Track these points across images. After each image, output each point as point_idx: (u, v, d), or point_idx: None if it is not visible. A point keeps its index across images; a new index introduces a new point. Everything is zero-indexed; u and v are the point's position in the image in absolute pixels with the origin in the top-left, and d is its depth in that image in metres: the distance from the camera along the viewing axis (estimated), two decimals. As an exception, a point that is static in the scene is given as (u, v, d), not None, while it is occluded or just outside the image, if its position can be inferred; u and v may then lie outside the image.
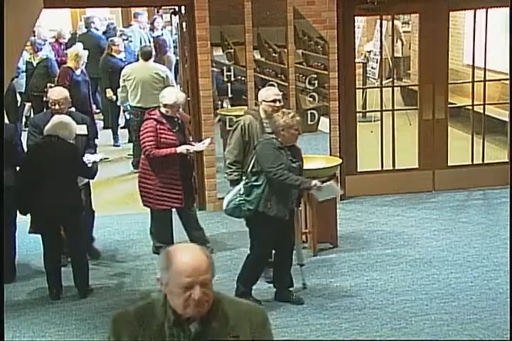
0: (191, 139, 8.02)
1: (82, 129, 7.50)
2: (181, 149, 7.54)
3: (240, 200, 6.59)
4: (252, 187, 6.54)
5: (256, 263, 6.81)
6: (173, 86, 10.92)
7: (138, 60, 11.44)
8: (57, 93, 7.71)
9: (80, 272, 7.09)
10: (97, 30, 14.84)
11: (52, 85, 11.30)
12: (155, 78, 10.77)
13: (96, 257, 7.88)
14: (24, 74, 12.44)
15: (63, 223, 7.00)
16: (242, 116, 7.47)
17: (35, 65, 12.23)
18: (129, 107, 11.04)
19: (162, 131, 7.55)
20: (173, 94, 7.68)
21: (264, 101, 7.20)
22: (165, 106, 7.60)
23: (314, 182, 6.57)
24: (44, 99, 12.02)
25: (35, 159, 6.92)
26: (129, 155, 11.49)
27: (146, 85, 10.75)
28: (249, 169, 6.61)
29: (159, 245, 7.86)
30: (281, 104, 7.24)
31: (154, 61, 11.38)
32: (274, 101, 7.16)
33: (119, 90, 11.09)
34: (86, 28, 14.81)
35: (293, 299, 6.88)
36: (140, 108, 10.73)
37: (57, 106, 7.56)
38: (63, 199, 6.81)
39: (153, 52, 11.28)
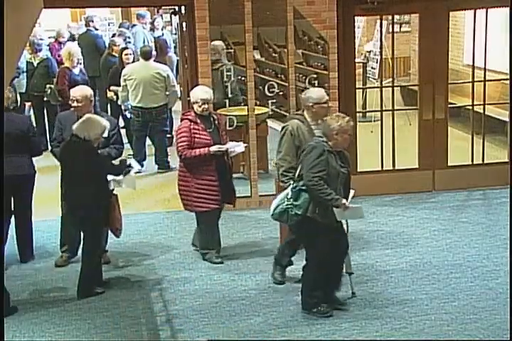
0: (227, 139, 7.78)
1: None
2: (214, 149, 7.42)
3: (287, 205, 6.38)
4: (300, 191, 6.35)
5: (317, 273, 6.52)
6: (174, 86, 10.93)
7: (139, 59, 11.44)
8: (77, 90, 7.70)
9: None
10: (96, 29, 14.84)
11: (52, 86, 11.30)
12: (156, 78, 10.78)
13: (106, 263, 7.85)
14: (25, 74, 12.42)
15: (83, 224, 7.07)
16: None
17: (35, 65, 12.23)
18: (129, 107, 11.04)
19: (196, 131, 7.46)
20: (198, 91, 7.61)
21: (316, 103, 7.00)
22: (194, 104, 7.52)
23: (344, 201, 6.36)
24: (44, 99, 12.06)
25: (62, 158, 7.22)
26: (129, 155, 11.49)
27: (147, 85, 10.75)
28: (297, 172, 6.47)
29: (204, 252, 7.80)
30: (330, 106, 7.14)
31: (156, 61, 11.39)
32: (327, 102, 7.06)
33: (119, 90, 11.09)
34: (86, 26, 14.83)
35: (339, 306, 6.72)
36: (141, 108, 10.75)
37: (75, 104, 7.55)
38: (83, 198, 6.89)
39: (154, 52, 11.26)
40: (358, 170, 9.76)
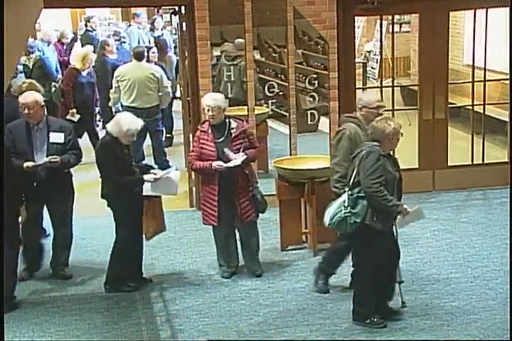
0: (243, 150, 7.22)
1: (59, 137, 7.32)
2: (214, 165, 7.11)
3: (345, 213, 6.17)
4: (358, 198, 6.16)
5: (371, 282, 6.37)
6: (166, 87, 10.93)
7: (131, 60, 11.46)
8: (26, 97, 7.32)
9: None
10: (94, 30, 14.85)
11: (57, 85, 11.31)
12: (150, 78, 10.78)
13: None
14: (23, 75, 12.40)
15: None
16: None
17: (30, 67, 12.20)
18: (120, 108, 11.03)
19: (203, 142, 7.23)
20: (205, 98, 7.32)
21: (365, 107, 6.79)
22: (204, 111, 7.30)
23: (405, 206, 6.24)
24: (44, 99, 12.06)
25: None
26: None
27: (141, 85, 10.76)
28: (351, 179, 6.25)
29: (220, 264, 7.61)
30: (383, 109, 6.90)
31: (156, 61, 11.40)
32: (377, 107, 6.80)
33: (111, 91, 11.09)
34: (85, 26, 14.85)
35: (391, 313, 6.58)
36: (134, 108, 10.70)
37: (26, 111, 7.22)
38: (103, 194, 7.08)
39: (146, 53, 11.24)
40: (358, 170, 9.76)
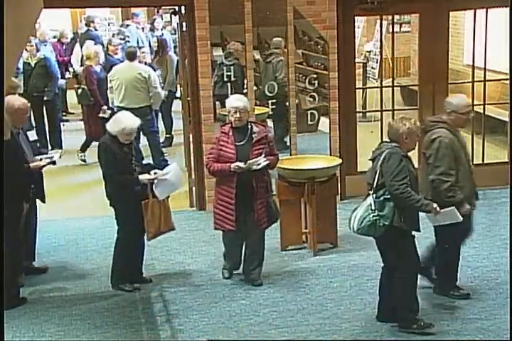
0: (263, 155, 7.03)
1: (32, 135, 7.52)
2: (233, 166, 6.93)
3: (374, 216, 6.06)
4: (384, 200, 6.08)
5: (411, 286, 6.29)
6: (156, 87, 10.92)
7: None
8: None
9: None
10: (96, 30, 14.84)
11: (84, 87, 11.34)
12: (138, 78, 10.80)
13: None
14: (22, 75, 12.39)
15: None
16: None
17: (33, 65, 12.19)
18: (115, 108, 11.06)
19: (223, 144, 7.05)
20: (231, 99, 7.21)
21: (454, 112, 6.58)
22: (228, 114, 7.12)
23: (435, 205, 6.16)
24: (45, 98, 12.06)
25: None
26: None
27: (129, 85, 10.78)
28: (374, 182, 6.13)
29: (224, 267, 7.54)
30: (473, 115, 6.70)
31: (156, 61, 11.38)
32: (467, 112, 6.62)
33: (108, 91, 11.13)
34: (86, 26, 14.83)
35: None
36: (123, 108, 10.68)
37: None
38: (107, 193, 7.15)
39: (138, 53, 11.24)
40: (358, 170, 9.76)
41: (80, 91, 11.43)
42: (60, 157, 7.53)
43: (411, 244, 6.24)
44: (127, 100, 10.80)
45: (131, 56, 10.97)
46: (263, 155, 7.02)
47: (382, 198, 6.09)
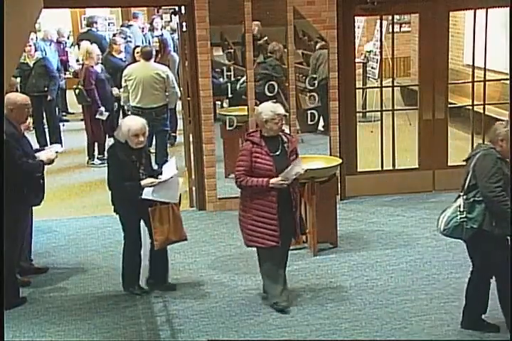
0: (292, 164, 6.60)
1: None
2: (274, 182, 6.44)
3: (461, 218, 5.85)
4: (474, 202, 5.82)
5: (485, 289, 6.18)
6: (174, 87, 10.93)
7: (135, 59, 11.44)
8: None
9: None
10: (97, 30, 14.85)
11: (80, 87, 11.29)
12: (155, 78, 10.78)
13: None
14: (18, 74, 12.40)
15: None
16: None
17: (31, 65, 12.18)
18: (130, 107, 11.06)
19: (258, 155, 6.52)
20: (270, 107, 6.63)
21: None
22: (266, 122, 6.54)
23: None
24: (48, 98, 12.06)
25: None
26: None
27: (146, 85, 10.76)
28: (466, 183, 5.89)
29: (268, 292, 6.91)
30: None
31: (158, 61, 11.38)
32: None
33: (121, 90, 11.13)
34: (87, 26, 14.85)
35: None
36: (140, 108, 10.74)
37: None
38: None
39: (154, 52, 11.27)
40: (358, 170, 9.77)
41: (77, 91, 11.41)
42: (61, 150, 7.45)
43: (503, 249, 5.90)
44: (145, 100, 10.78)
45: (147, 55, 10.96)
46: (292, 164, 6.55)
47: (472, 200, 5.86)
